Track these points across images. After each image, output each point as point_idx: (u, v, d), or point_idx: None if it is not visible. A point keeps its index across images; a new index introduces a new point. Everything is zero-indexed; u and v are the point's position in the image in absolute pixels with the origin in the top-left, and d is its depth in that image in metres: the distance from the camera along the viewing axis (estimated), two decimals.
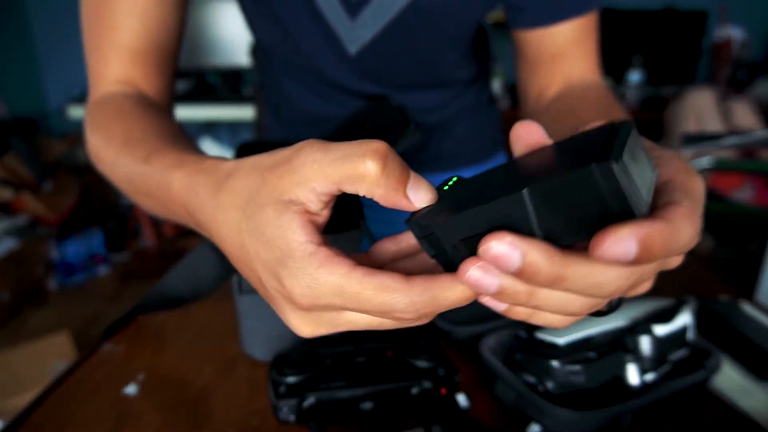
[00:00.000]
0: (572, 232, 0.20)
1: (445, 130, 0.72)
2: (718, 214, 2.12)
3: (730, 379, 0.46)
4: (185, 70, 2.58)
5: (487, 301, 0.23)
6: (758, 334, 0.48)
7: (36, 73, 2.96)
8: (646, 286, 0.23)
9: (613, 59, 2.86)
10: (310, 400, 0.40)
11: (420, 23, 0.56)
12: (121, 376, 0.48)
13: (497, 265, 0.20)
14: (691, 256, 0.74)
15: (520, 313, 0.24)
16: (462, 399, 0.44)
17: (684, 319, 0.45)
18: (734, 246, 2.42)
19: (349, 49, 0.59)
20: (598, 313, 0.24)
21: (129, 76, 0.52)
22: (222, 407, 0.44)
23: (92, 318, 2.10)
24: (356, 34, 0.57)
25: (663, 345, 0.43)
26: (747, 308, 0.53)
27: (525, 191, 0.20)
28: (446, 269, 0.25)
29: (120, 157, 0.42)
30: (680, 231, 0.19)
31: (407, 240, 0.28)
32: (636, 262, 0.18)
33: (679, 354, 0.44)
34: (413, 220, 0.25)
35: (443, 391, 0.42)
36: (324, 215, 0.26)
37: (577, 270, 0.20)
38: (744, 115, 2.14)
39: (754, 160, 2.05)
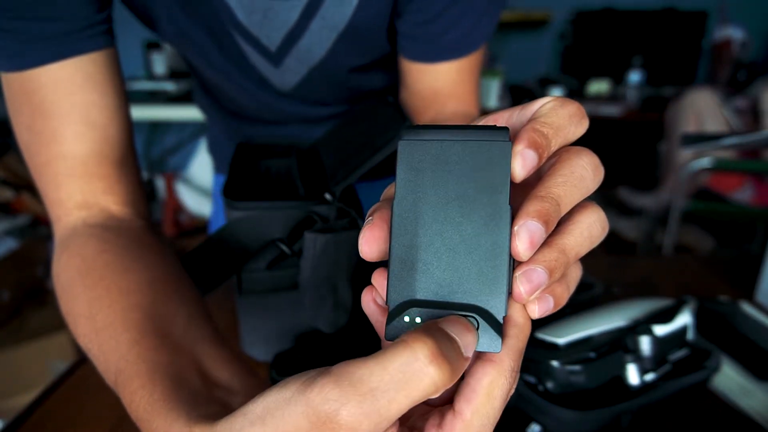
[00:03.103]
0: None
1: None
2: (718, 214, 2.12)
3: (729, 379, 0.46)
4: (185, 70, 2.58)
5: (539, 306, 0.23)
6: (758, 335, 0.48)
7: None
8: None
9: (613, 59, 2.86)
10: None
11: (344, 60, 0.56)
12: None
13: (535, 243, 0.21)
14: (691, 256, 0.74)
15: (561, 291, 0.24)
16: None
17: (684, 319, 0.45)
18: (734, 246, 2.42)
19: (281, 89, 0.59)
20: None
21: (89, 196, 0.43)
22: None
23: None
24: (283, 79, 0.58)
25: (663, 345, 0.43)
26: (747, 308, 0.53)
27: None
28: None
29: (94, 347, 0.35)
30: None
31: None
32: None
33: (679, 354, 0.44)
34: None
35: None
36: None
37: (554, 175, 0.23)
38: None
39: (754, 160, 2.05)
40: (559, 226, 0.23)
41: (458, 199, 0.22)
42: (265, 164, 0.55)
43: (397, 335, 0.22)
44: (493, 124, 0.26)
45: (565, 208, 0.23)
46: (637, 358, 0.41)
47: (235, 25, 0.50)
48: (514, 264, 0.22)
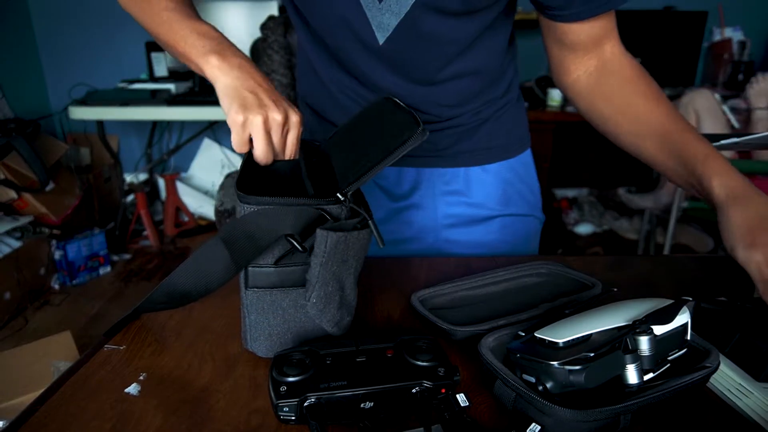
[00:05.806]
0: None
1: (474, 125, 0.75)
2: None
3: (727, 379, 0.46)
4: (185, 71, 2.58)
5: None
6: (756, 335, 0.48)
7: (39, 73, 2.96)
8: None
9: None
10: (310, 400, 0.40)
11: (438, 1, 0.59)
12: (122, 376, 0.48)
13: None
14: (691, 256, 0.75)
15: None
16: (462, 398, 0.44)
17: (683, 319, 0.45)
18: None
19: (377, 37, 0.63)
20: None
21: None
22: (223, 407, 0.44)
23: (94, 318, 2.10)
24: (381, 22, 0.61)
25: (662, 345, 0.43)
26: (745, 308, 0.53)
27: None
28: None
29: None
30: None
31: None
32: None
33: (678, 354, 0.45)
34: None
35: (443, 390, 0.43)
36: None
37: None
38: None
39: (753, 160, 2.05)
40: None
41: None
42: (274, 164, 0.55)
43: None
44: None
45: None
46: (637, 357, 0.41)
47: None
48: None
